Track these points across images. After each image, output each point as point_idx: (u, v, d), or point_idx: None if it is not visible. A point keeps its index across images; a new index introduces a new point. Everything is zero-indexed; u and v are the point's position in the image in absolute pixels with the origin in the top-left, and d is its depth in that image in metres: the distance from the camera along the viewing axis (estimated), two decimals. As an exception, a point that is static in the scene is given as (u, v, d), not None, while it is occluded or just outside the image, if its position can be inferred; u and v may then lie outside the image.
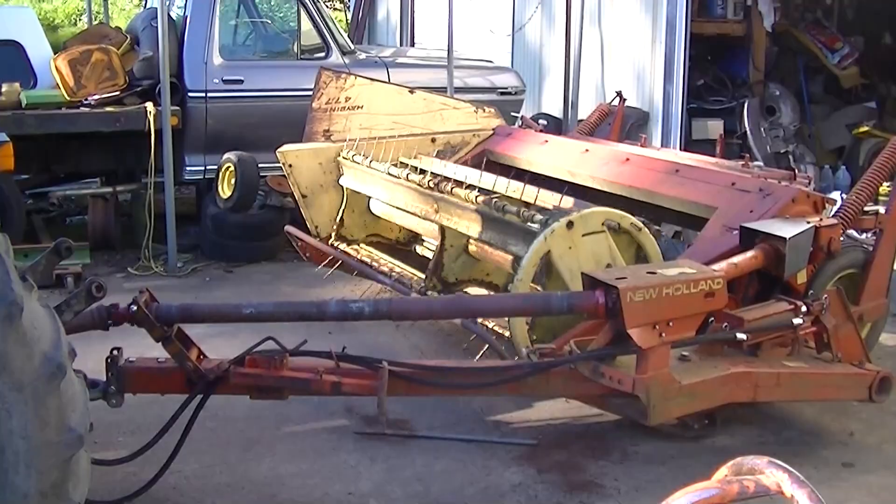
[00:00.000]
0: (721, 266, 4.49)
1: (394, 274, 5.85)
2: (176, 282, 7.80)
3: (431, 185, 5.53)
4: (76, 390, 3.11)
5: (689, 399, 4.20)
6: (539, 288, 4.86)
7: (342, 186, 6.62)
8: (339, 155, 6.55)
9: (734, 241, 4.97)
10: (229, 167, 7.98)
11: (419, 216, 5.84)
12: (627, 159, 6.16)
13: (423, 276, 5.66)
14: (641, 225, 4.99)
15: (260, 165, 7.97)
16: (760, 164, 6.19)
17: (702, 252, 5.00)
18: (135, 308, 3.93)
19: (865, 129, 11.10)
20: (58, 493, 2.96)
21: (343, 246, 6.53)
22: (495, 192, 5.43)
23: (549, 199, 5.11)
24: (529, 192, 5.22)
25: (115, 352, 4.12)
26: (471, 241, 5.63)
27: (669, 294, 3.97)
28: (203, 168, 8.55)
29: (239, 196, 7.92)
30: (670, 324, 4.00)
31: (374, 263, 6.13)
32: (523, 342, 4.64)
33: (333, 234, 6.63)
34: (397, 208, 6.14)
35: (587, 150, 6.48)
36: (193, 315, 4.07)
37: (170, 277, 7.89)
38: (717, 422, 4.83)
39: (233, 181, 7.94)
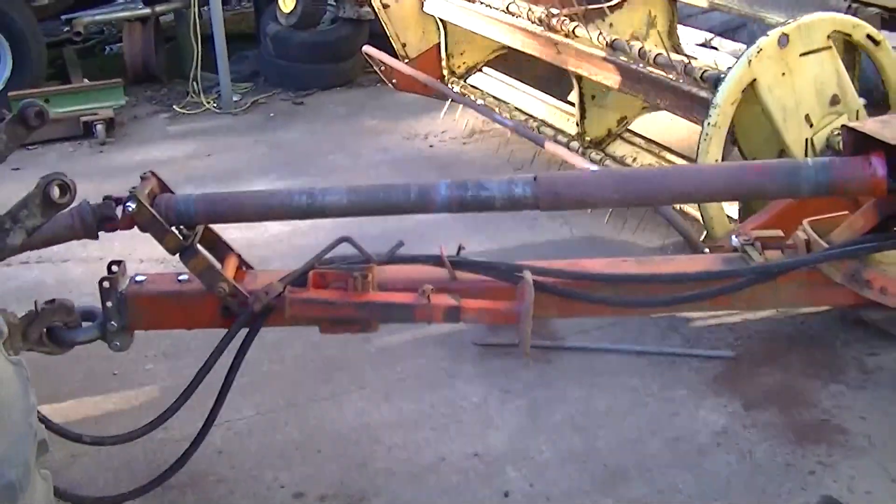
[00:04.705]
0: None
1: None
2: (232, 121, 6.34)
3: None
4: None
5: None
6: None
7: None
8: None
9: None
10: (291, -27, 6.45)
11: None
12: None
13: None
14: (881, 37, 3.42)
15: (330, -32, 6.44)
16: None
17: None
18: (132, 206, 2.49)
19: None
20: None
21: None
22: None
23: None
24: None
25: (113, 268, 2.70)
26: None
27: None
28: (260, -25, 7.00)
29: (304, 8, 6.46)
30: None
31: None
32: (722, 228, 3.12)
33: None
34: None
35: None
36: (224, 212, 2.59)
37: (224, 115, 6.43)
38: None
39: (296, -9, 6.43)
